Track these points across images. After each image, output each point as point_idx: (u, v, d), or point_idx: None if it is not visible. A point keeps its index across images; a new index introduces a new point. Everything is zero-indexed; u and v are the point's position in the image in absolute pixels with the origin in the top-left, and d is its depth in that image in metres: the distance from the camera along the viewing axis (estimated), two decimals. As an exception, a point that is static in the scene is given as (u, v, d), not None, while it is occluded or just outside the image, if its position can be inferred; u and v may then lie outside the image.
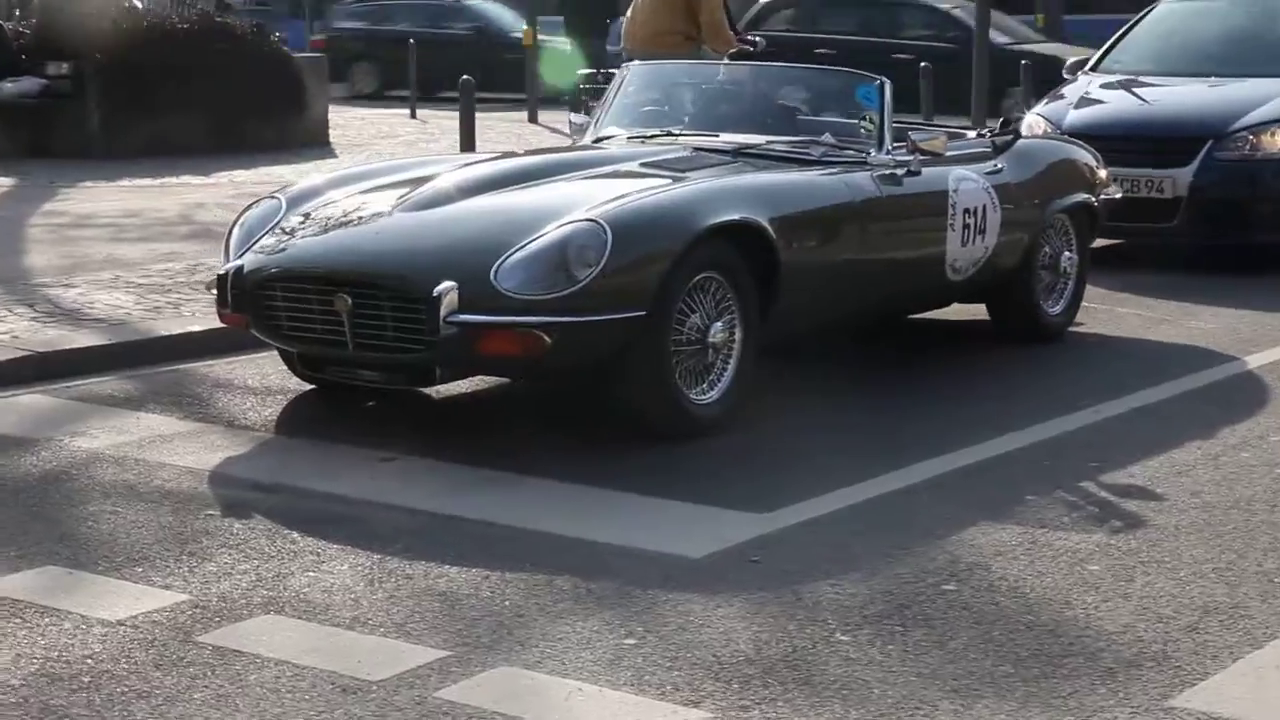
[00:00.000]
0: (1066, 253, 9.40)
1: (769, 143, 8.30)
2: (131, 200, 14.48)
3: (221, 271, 7.30)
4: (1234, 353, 9.05)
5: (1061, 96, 12.77)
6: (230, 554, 5.69)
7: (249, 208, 7.79)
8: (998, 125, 9.41)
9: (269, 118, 19.05)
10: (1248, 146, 11.61)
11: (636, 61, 9.18)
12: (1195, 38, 13.25)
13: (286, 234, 7.42)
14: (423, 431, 7.35)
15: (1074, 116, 12.02)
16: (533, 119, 24.51)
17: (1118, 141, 11.36)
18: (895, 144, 8.31)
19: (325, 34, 32.58)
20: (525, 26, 26.34)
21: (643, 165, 7.90)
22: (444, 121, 23.90)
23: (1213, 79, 12.49)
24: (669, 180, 7.57)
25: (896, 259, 8.21)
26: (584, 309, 6.75)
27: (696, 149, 8.19)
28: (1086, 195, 9.53)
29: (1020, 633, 5.02)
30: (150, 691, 4.57)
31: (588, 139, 8.85)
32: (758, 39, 13.32)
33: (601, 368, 7.00)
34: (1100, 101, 12.51)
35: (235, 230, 7.64)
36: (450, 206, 7.31)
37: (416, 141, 21.19)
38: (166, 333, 8.84)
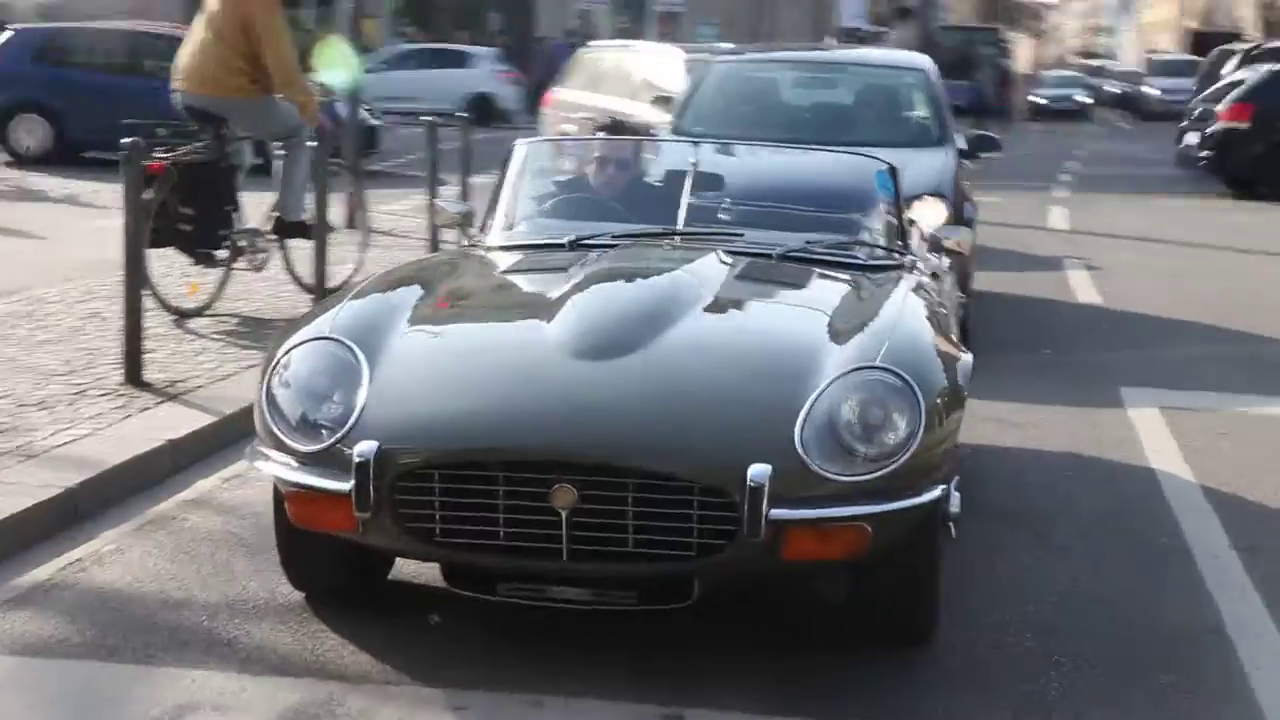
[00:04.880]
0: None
1: (809, 243, 6.71)
2: None
3: (359, 459, 4.96)
4: (1146, 460, 8.29)
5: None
6: None
7: (284, 357, 5.34)
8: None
9: None
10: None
11: (532, 139, 7.27)
12: (775, 103, 12.41)
13: (399, 395, 5.18)
14: (611, 668, 5.30)
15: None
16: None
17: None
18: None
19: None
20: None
21: (739, 279, 6.15)
22: None
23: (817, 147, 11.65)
24: (826, 303, 5.92)
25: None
26: (903, 489, 5.08)
27: (732, 252, 6.45)
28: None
29: None
30: None
31: (499, 237, 6.86)
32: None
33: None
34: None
35: (279, 390, 5.27)
36: (646, 352, 5.32)
37: None
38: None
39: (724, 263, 6.23)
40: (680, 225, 6.69)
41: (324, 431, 5.14)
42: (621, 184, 7.26)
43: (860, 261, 6.67)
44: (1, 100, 21.04)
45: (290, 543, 5.62)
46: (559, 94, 20.17)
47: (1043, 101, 61.77)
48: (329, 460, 5.08)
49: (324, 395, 5.22)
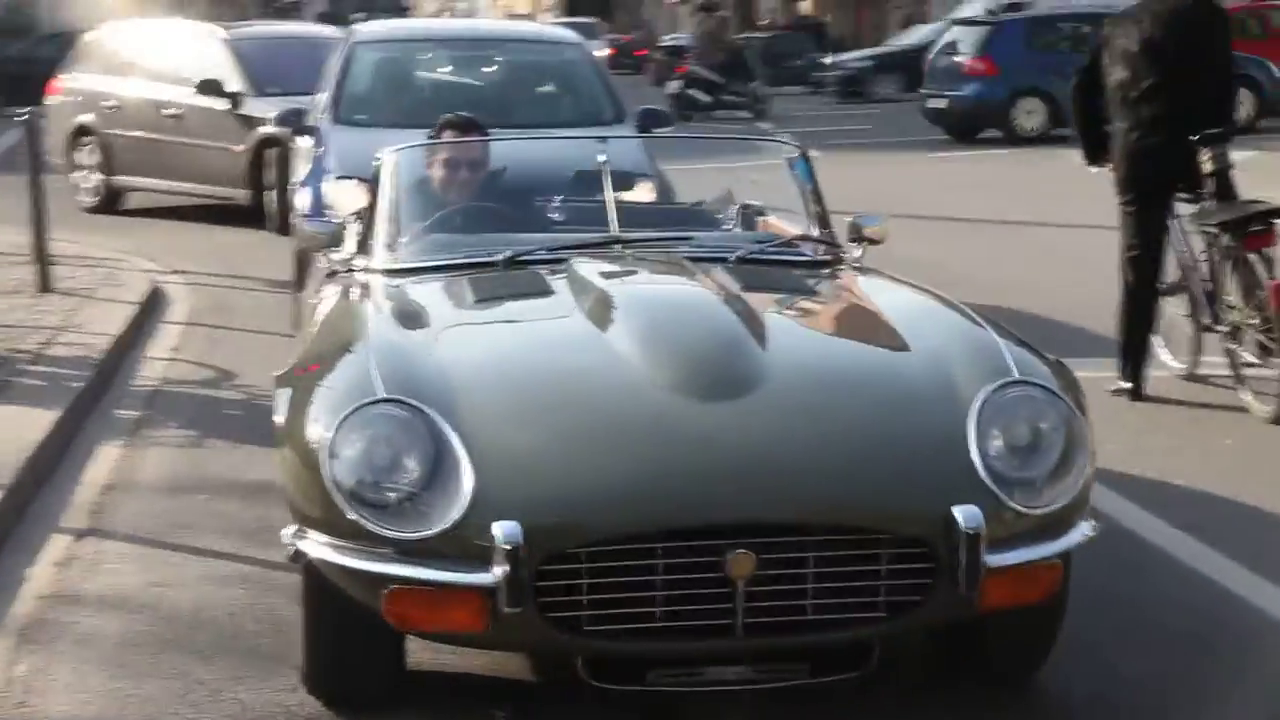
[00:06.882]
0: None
1: (760, 245, 6.08)
2: None
3: (506, 545, 4.10)
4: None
5: (328, 153, 10.40)
6: None
7: (337, 434, 4.37)
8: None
9: None
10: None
11: (403, 146, 6.33)
12: (440, 85, 11.48)
13: (512, 464, 4.33)
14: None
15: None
16: None
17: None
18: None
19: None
20: None
21: (747, 289, 5.42)
22: None
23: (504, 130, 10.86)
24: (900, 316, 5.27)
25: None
26: (1076, 518, 4.62)
27: (690, 259, 5.72)
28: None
29: None
30: None
31: (386, 258, 5.89)
32: None
33: None
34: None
35: (342, 472, 4.32)
36: (767, 388, 4.60)
37: None
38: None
39: (702, 270, 5.51)
40: (615, 231, 5.90)
41: (420, 514, 4.28)
42: (475, 186, 6.45)
43: (809, 258, 6.07)
44: None
45: (327, 642, 4.70)
46: (69, 80, 18.47)
47: None
48: (444, 549, 4.22)
49: (404, 470, 4.33)
